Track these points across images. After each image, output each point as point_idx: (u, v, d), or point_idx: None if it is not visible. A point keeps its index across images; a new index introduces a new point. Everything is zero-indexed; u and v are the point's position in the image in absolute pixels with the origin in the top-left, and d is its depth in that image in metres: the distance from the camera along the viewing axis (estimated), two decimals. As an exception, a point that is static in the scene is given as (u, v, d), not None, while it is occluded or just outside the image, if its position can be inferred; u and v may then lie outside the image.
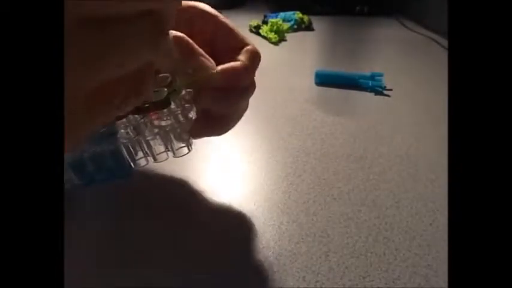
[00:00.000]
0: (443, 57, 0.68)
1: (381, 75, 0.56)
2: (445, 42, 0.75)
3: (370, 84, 0.55)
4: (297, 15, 0.88)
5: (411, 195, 0.34)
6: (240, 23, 0.85)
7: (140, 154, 0.27)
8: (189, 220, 0.30)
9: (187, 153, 0.27)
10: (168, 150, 0.27)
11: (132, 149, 0.26)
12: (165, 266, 0.26)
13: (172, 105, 0.25)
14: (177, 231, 0.29)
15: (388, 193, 0.34)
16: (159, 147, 0.26)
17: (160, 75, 0.26)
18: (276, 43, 0.77)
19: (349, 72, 0.59)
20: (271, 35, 0.78)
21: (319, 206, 0.32)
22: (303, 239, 0.29)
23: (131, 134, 0.25)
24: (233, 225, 0.30)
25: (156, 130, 0.25)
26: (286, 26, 0.82)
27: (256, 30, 0.84)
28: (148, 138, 0.26)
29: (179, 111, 0.26)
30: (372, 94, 0.54)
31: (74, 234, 0.28)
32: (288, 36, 0.80)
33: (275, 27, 0.80)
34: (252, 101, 0.49)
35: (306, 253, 0.27)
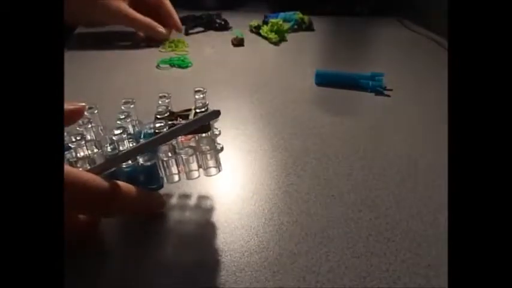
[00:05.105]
0: (443, 57, 0.68)
1: (381, 75, 0.56)
2: (445, 42, 0.75)
3: (370, 84, 0.55)
4: (298, 15, 0.88)
5: (411, 195, 0.34)
6: (240, 23, 0.85)
7: (173, 170, 0.28)
8: (188, 220, 0.30)
9: (217, 173, 0.29)
10: (200, 169, 0.29)
11: (167, 166, 0.28)
12: (164, 265, 0.26)
13: None
14: (176, 230, 0.29)
15: (388, 193, 0.34)
16: (190, 165, 0.29)
17: (200, 101, 0.29)
18: (276, 43, 0.77)
19: (349, 72, 0.59)
20: (272, 35, 0.78)
21: (319, 206, 0.32)
22: (303, 239, 0.29)
23: (169, 153, 0.28)
24: (233, 226, 0.30)
25: (191, 151, 0.28)
26: (286, 26, 0.82)
27: (256, 30, 0.84)
28: (184, 157, 0.28)
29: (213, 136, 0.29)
30: (372, 94, 0.54)
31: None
32: (289, 36, 0.80)
33: (275, 28, 0.80)
34: (252, 101, 0.49)
35: (306, 253, 0.27)
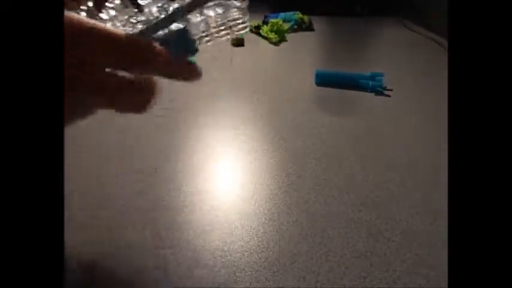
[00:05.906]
0: (443, 57, 0.68)
1: (381, 75, 0.56)
2: (445, 43, 0.75)
3: (370, 84, 0.55)
4: (297, 15, 0.88)
5: (411, 195, 0.34)
6: (240, 23, 0.85)
7: (203, 33, 0.28)
8: (189, 220, 0.30)
9: (246, 31, 0.29)
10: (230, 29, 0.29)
11: (197, 29, 0.29)
12: (165, 265, 0.26)
13: None
14: (177, 230, 0.29)
15: (388, 193, 0.34)
16: (219, 27, 0.28)
17: None
18: (276, 43, 0.77)
19: (349, 72, 0.59)
20: (272, 35, 0.78)
21: (319, 206, 0.32)
22: (303, 239, 0.29)
23: (198, 14, 0.27)
24: (234, 225, 0.30)
25: (219, 9, 0.27)
26: (286, 26, 0.82)
27: (256, 30, 0.84)
28: (212, 16, 0.27)
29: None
30: (372, 94, 0.54)
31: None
32: (288, 36, 0.80)
33: (275, 28, 0.80)
34: (252, 101, 0.49)
35: (306, 253, 0.27)
